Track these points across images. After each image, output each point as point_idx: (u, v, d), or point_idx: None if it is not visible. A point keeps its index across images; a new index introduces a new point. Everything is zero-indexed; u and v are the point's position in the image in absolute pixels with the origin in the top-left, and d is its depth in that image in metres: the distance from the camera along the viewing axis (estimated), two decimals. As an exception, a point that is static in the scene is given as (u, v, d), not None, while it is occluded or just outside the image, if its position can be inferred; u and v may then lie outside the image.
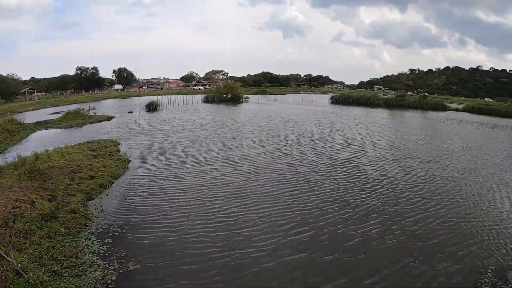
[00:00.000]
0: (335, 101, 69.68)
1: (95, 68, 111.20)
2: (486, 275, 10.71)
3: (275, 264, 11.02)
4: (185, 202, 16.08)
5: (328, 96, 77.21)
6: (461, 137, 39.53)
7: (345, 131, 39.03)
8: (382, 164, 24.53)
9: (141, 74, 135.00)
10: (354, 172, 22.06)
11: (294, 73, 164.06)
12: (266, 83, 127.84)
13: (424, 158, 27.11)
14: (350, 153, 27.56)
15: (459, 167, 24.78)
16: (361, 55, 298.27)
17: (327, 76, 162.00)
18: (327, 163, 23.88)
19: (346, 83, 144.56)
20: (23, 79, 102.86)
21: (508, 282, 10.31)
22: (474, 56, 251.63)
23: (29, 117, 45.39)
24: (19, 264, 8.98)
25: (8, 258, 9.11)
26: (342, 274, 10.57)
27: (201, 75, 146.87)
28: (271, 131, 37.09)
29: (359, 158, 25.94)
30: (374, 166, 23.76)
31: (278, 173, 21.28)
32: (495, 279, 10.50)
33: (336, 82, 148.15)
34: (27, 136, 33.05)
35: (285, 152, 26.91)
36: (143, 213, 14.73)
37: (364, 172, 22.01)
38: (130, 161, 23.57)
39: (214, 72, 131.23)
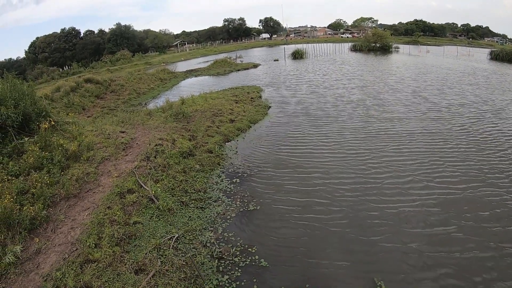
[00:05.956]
0: (495, 57, 56.47)
1: (242, 19, 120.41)
2: None
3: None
4: (318, 162, 14.37)
5: (487, 50, 61.86)
6: None
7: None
8: None
9: (288, 23, 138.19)
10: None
11: (450, 22, 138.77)
12: (419, 32, 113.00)
13: None
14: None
15: None
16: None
17: (487, 27, 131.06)
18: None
19: (509, 36, 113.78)
20: (175, 33, 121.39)
21: None
22: None
23: (180, 66, 53.27)
24: (153, 192, 10.49)
25: (145, 187, 10.74)
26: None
27: (349, 22, 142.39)
28: (444, 96, 25.81)
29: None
30: None
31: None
32: None
33: (497, 35, 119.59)
34: (178, 83, 38.97)
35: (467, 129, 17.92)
36: (274, 159, 14.91)
37: None
38: (270, 107, 24.30)
39: (363, 20, 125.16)
